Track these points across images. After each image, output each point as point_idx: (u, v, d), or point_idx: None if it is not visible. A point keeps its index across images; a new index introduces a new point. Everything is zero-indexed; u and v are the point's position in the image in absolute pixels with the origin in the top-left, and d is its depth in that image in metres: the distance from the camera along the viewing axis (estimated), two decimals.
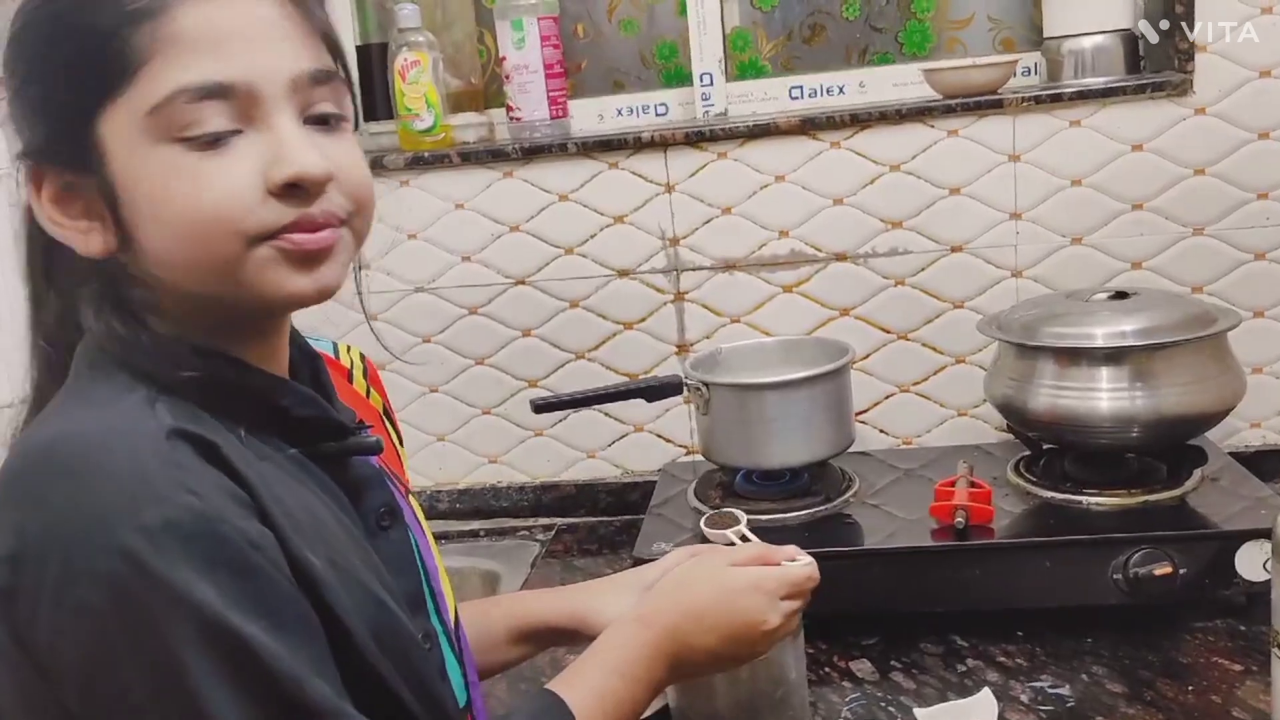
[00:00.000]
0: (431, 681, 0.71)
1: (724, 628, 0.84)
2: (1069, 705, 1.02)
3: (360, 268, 0.75)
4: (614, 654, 0.81)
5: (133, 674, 0.56)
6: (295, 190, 0.62)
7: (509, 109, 1.58)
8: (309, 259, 0.64)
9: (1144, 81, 1.39)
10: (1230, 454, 1.34)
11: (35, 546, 0.57)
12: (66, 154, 0.63)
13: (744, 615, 0.85)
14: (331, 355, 0.97)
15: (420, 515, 0.87)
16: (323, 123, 0.65)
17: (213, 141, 0.61)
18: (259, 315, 0.68)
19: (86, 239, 0.64)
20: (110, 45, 0.60)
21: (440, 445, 1.65)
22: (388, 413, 1.02)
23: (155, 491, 0.57)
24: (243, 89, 0.61)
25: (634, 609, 0.87)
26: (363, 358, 1.02)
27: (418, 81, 1.55)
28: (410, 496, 0.87)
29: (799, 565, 0.89)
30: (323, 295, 0.65)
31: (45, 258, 0.68)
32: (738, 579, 0.87)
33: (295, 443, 0.69)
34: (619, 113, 1.67)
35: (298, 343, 0.76)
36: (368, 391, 0.99)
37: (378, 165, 1.53)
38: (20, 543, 0.57)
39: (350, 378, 0.98)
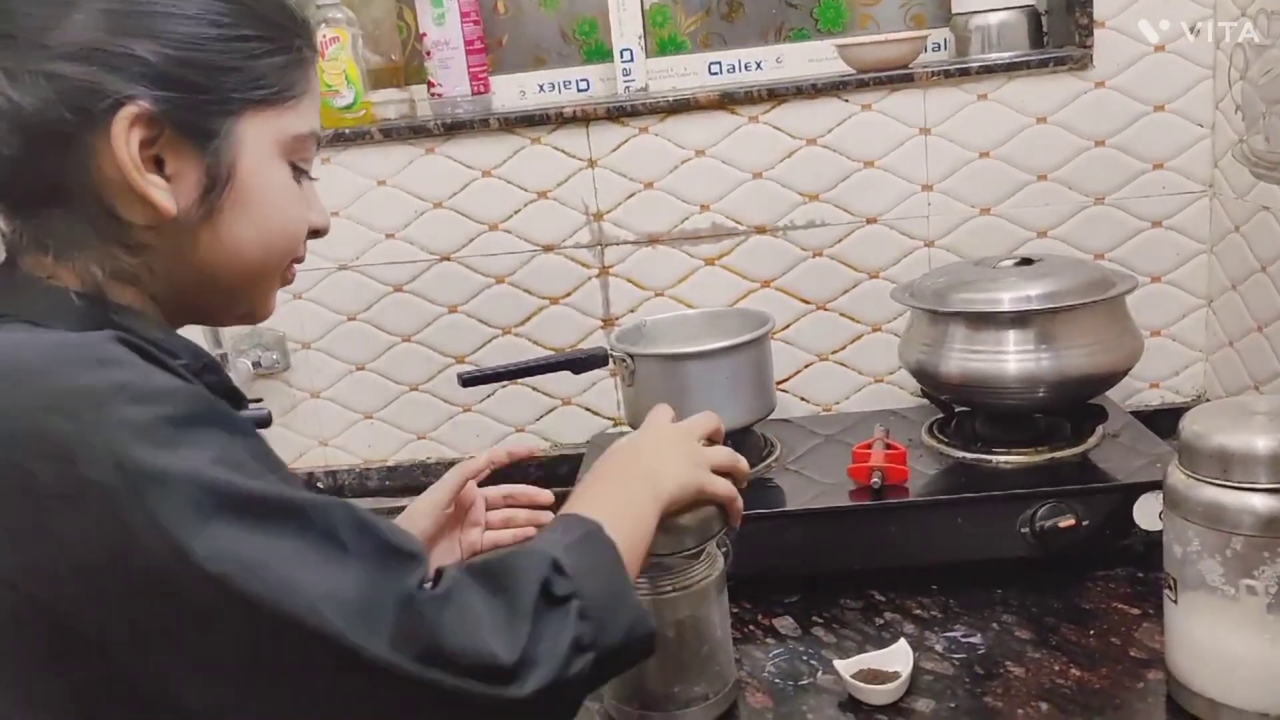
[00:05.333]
0: None
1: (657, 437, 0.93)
2: (980, 652, 1.07)
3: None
4: (580, 487, 0.85)
5: (153, 541, 0.54)
6: (315, 235, 0.77)
7: (430, 85, 1.58)
8: (283, 286, 0.77)
9: (1046, 56, 1.44)
10: (1132, 413, 1.40)
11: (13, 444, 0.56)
12: (198, 124, 0.67)
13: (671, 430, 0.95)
14: None
15: None
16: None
17: (306, 175, 0.75)
18: (219, 320, 0.79)
19: (160, 195, 0.66)
20: (287, 71, 0.71)
21: (368, 423, 1.65)
22: None
23: (138, 369, 0.60)
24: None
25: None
26: None
27: (337, 58, 1.54)
28: None
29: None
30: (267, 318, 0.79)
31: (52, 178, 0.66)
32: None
33: None
34: (541, 89, 1.68)
35: None
36: None
37: None
38: None
39: None
